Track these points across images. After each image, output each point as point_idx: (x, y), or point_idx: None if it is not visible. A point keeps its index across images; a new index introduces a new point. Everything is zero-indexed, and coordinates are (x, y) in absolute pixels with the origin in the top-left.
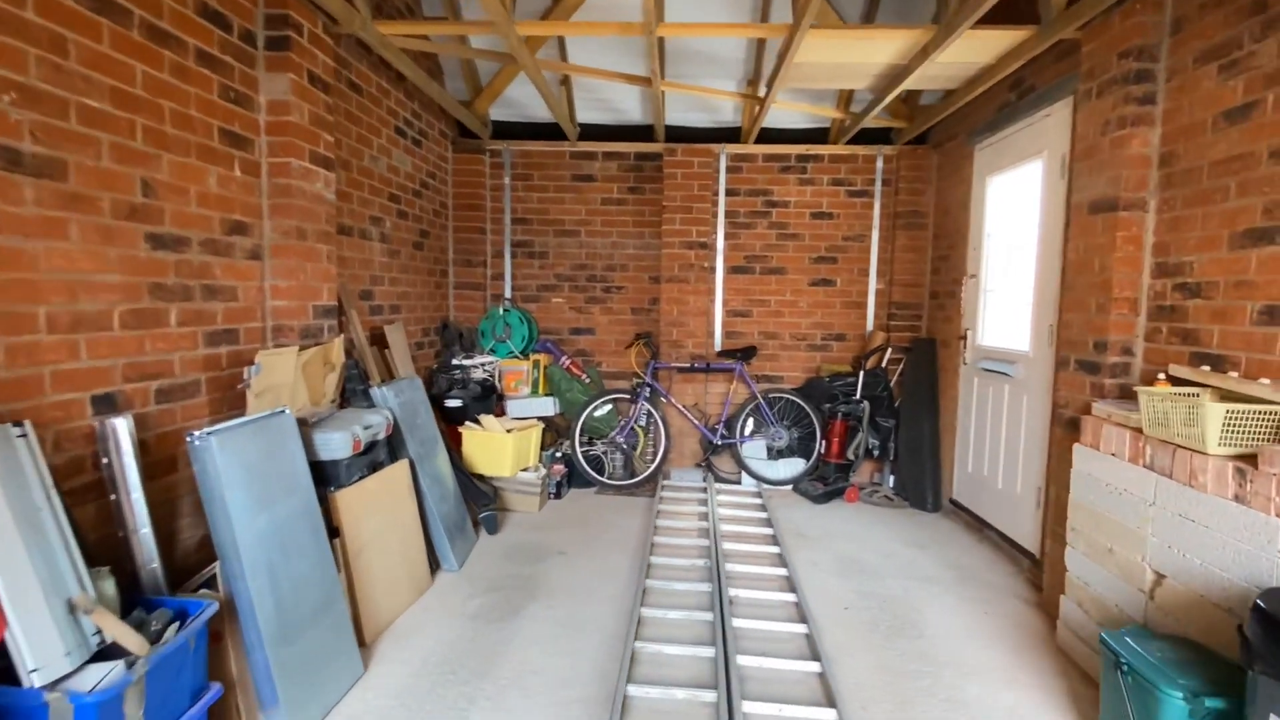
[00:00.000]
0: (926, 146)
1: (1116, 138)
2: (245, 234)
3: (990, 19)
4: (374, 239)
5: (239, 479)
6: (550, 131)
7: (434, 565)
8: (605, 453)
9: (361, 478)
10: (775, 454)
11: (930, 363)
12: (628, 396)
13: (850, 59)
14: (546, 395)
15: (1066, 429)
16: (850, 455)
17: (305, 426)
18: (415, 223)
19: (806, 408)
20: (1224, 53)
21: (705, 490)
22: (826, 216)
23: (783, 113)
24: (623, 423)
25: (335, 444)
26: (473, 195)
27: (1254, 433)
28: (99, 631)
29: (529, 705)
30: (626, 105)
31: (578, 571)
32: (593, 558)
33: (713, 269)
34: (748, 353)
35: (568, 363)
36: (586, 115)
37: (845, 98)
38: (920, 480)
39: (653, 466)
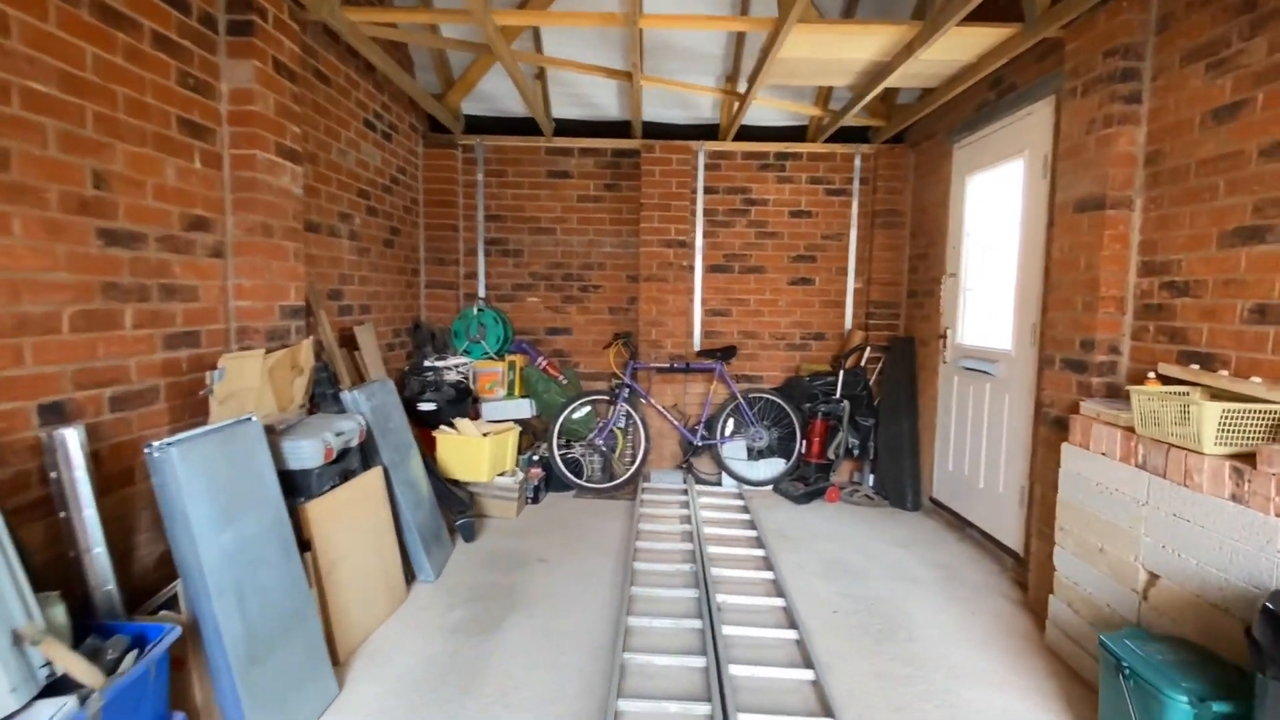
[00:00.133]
0: (904, 145)
1: (1103, 136)
2: (207, 230)
3: (974, 16)
4: (343, 236)
5: (202, 492)
6: (525, 126)
7: (409, 576)
8: (583, 455)
9: (333, 487)
10: (755, 454)
11: (909, 361)
12: (606, 398)
13: (835, 55)
14: (523, 397)
15: (1053, 428)
16: (831, 455)
17: (273, 434)
18: (385, 219)
19: (786, 407)
20: (1212, 51)
21: (686, 492)
22: (805, 215)
23: (761, 110)
24: (601, 424)
25: (306, 452)
26: (445, 191)
27: (1250, 432)
28: (48, 663)
29: None
30: (603, 100)
31: (560, 579)
32: (574, 564)
33: (691, 268)
34: (727, 352)
35: (544, 364)
36: (562, 110)
37: (824, 95)
38: (900, 479)
39: (632, 469)
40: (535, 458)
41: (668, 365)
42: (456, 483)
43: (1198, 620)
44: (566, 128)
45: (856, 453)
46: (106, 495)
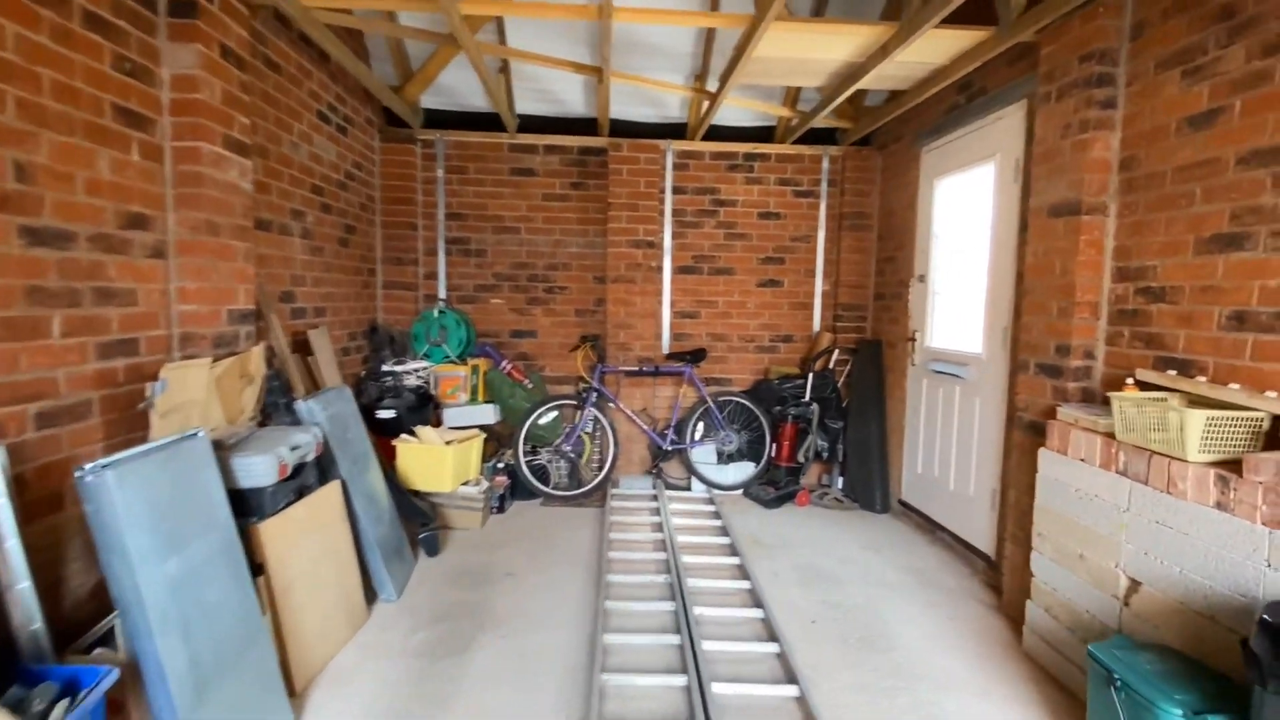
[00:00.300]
0: (871, 148)
1: (1078, 141)
2: (146, 228)
3: (948, 19)
4: (295, 235)
5: (143, 519)
6: (487, 122)
7: (370, 596)
8: (550, 462)
9: (288, 504)
10: (725, 458)
11: (876, 364)
12: (573, 402)
13: (810, 54)
14: (487, 402)
15: (1027, 432)
16: (801, 458)
17: (222, 450)
18: (340, 217)
19: (756, 411)
20: (1187, 59)
21: (656, 498)
22: (774, 216)
23: (729, 110)
24: (568, 430)
25: (258, 469)
26: (403, 188)
27: (1233, 440)
28: None
29: None
30: (569, 96)
31: (530, 594)
32: (544, 578)
33: (660, 269)
34: (697, 355)
35: (509, 367)
36: (526, 106)
37: (792, 96)
38: (869, 482)
39: (601, 475)
40: (500, 465)
41: (636, 368)
42: (418, 494)
43: (1183, 628)
44: (530, 124)
45: (826, 455)
46: (31, 523)
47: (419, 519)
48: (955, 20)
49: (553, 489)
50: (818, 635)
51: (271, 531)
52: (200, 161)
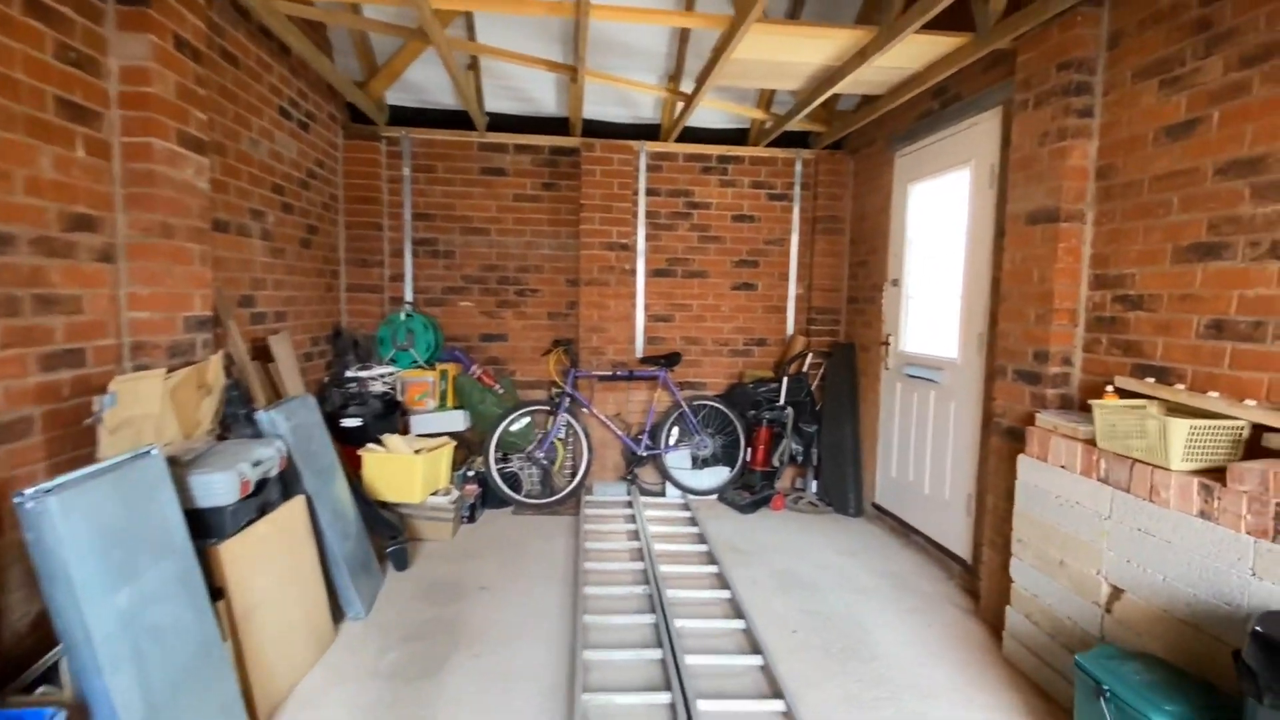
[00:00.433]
0: (843, 152)
1: (1056, 149)
2: (93, 230)
3: (927, 24)
4: (255, 236)
5: (91, 547)
6: (455, 120)
7: (337, 614)
8: (522, 469)
9: (250, 523)
10: (700, 463)
11: (850, 367)
12: (546, 408)
13: (789, 57)
14: (456, 408)
15: (1005, 438)
16: (776, 462)
17: (179, 467)
18: (302, 217)
19: (731, 415)
20: (1165, 69)
21: (631, 505)
22: (748, 219)
23: (703, 112)
24: (541, 436)
25: (218, 487)
26: (367, 187)
27: (1215, 448)
28: None
29: None
30: (540, 95)
31: (504, 609)
32: (519, 591)
33: (634, 272)
34: (672, 359)
35: (479, 372)
36: (496, 104)
37: (766, 98)
38: (843, 485)
39: (575, 482)
40: (471, 473)
41: (610, 373)
42: (385, 505)
43: (1166, 635)
44: (500, 122)
45: (800, 459)
46: None
47: (387, 531)
48: (933, 26)
49: (525, 497)
50: (800, 645)
51: (232, 553)
52: (153, 159)
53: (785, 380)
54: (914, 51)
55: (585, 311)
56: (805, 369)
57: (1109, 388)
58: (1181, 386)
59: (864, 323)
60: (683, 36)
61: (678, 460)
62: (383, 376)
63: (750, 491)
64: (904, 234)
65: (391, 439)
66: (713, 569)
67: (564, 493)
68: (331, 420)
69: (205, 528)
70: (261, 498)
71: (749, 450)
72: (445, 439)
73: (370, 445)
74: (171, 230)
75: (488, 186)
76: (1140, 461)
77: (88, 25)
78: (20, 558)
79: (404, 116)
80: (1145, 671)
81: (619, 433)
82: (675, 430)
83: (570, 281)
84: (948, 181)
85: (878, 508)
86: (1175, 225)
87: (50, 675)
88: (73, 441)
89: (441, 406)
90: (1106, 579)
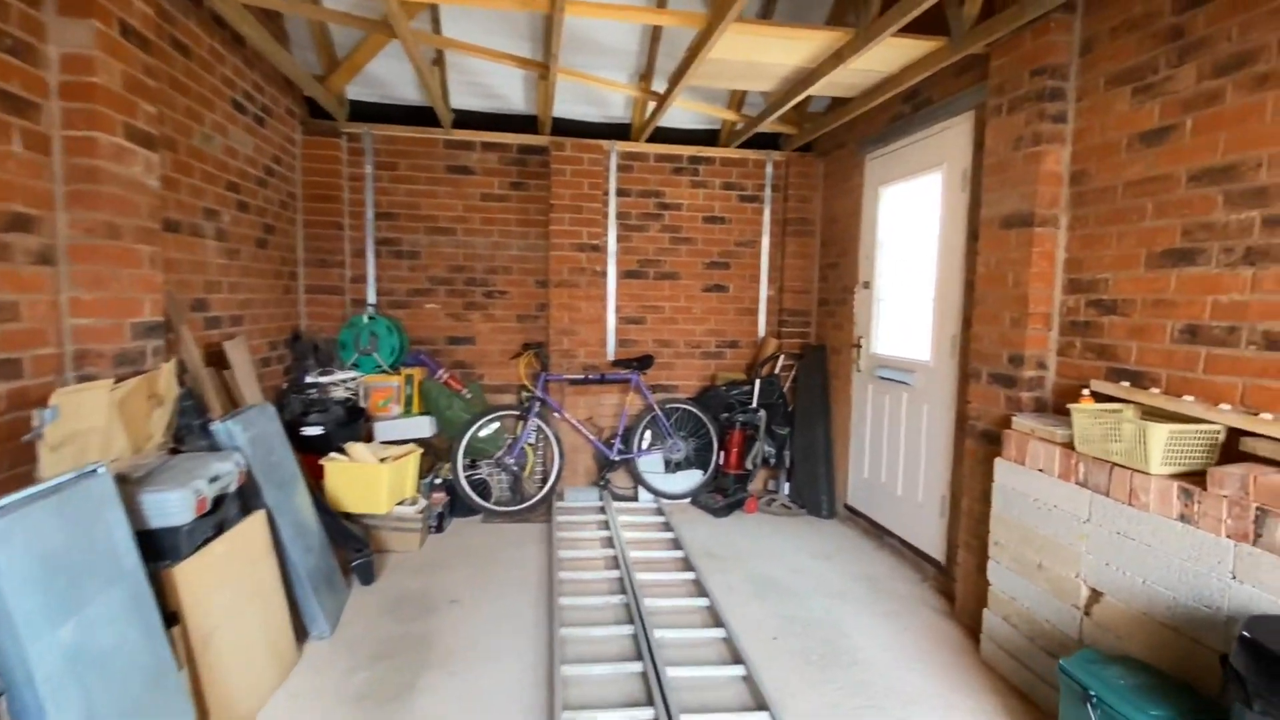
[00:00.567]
0: (813, 154)
1: (1030, 154)
2: (30, 230)
3: (903, 28)
4: (209, 236)
5: (30, 578)
6: (419, 116)
7: (301, 633)
8: (491, 475)
9: (207, 541)
10: (673, 466)
11: (821, 369)
12: (515, 413)
13: (764, 58)
14: (422, 414)
15: (980, 441)
16: (749, 465)
17: (128, 485)
18: (258, 216)
19: (704, 418)
20: (1138, 76)
21: (604, 511)
22: (719, 221)
23: (674, 112)
24: (510, 441)
25: (172, 506)
26: (327, 185)
27: (1192, 452)
28: None
29: None
30: (508, 92)
31: (477, 623)
32: (492, 604)
33: (605, 273)
34: (644, 362)
35: (445, 376)
36: (462, 100)
37: (737, 99)
38: (815, 487)
39: (546, 488)
40: (438, 481)
41: (581, 376)
42: (350, 516)
43: (1146, 638)
44: (467, 120)
45: (773, 462)
46: None
47: (351, 544)
48: (908, 30)
49: (495, 504)
50: (780, 652)
51: (188, 575)
52: (97, 154)
53: (758, 382)
54: (889, 55)
55: (555, 314)
56: (778, 371)
57: (1085, 391)
58: (1156, 390)
59: (835, 325)
60: (655, 35)
61: (650, 464)
62: (345, 382)
63: (723, 495)
64: (875, 236)
65: (355, 447)
66: (689, 575)
67: (535, 499)
68: (292, 429)
69: (158, 549)
70: (219, 515)
71: (722, 453)
72: (411, 446)
73: (333, 454)
74: (118, 230)
75: (454, 185)
76: (1119, 465)
77: (24, 9)
78: None
79: (365, 112)
80: (1129, 675)
81: (591, 437)
82: (648, 434)
83: (540, 283)
84: (919, 185)
85: (850, 509)
86: (1149, 231)
87: None
88: (9, 460)
89: (407, 412)
90: (1085, 582)
